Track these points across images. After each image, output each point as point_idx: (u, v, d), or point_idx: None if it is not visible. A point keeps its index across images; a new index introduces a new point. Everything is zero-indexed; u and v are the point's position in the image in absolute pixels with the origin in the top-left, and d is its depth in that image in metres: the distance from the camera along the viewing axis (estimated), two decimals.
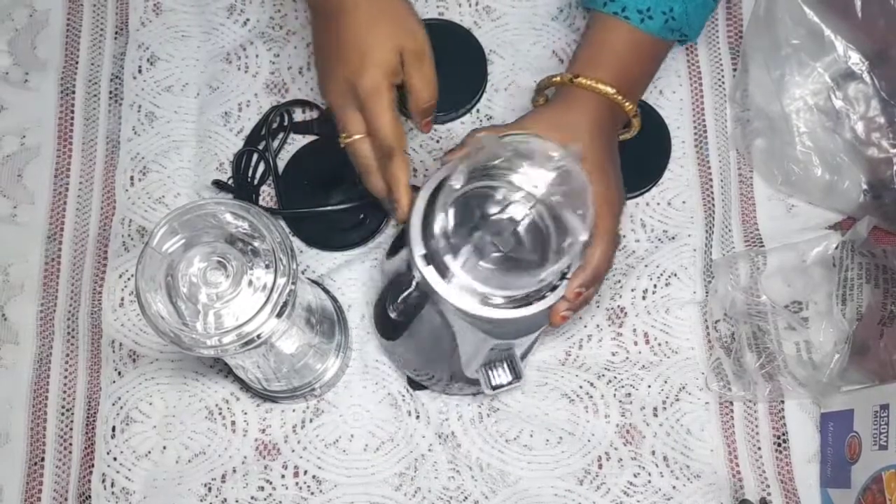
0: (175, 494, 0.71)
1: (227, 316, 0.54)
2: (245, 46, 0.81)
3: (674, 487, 0.71)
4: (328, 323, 0.70)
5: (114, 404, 0.73)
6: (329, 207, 0.75)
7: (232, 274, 0.54)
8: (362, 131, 0.63)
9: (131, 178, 0.79)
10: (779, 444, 0.73)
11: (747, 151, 0.78)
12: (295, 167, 0.78)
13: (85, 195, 0.78)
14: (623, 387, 0.73)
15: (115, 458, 0.72)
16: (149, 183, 0.78)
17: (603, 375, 0.74)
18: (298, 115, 0.80)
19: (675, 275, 0.76)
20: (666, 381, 0.74)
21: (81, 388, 0.74)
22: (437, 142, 0.79)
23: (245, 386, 0.73)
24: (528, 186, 0.52)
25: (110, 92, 0.81)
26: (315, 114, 0.79)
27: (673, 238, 0.77)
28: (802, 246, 0.74)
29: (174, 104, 0.80)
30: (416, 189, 0.58)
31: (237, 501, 0.71)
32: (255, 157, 0.78)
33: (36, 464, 0.72)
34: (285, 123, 0.79)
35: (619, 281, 0.75)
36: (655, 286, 0.76)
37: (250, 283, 0.54)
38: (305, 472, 0.72)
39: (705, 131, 0.80)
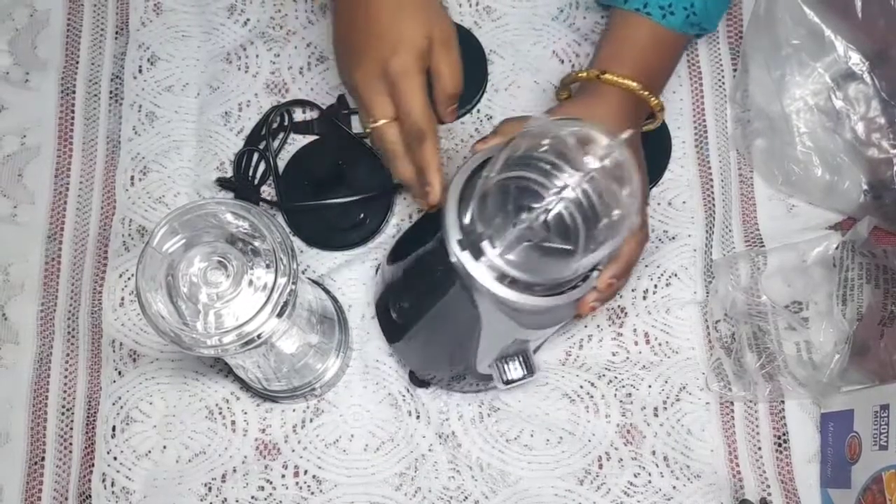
0: (175, 494, 0.71)
1: (228, 316, 0.54)
2: (245, 46, 0.81)
3: (674, 487, 0.72)
4: (328, 323, 0.70)
5: (114, 404, 0.73)
6: (331, 201, 0.75)
7: (232, 274, 0.54)
8: (389, 115, 0.62)
9: (132, 177, 0.79)
10: (779, 445, 0.73)
11: (748, 151, 0.78)
12: (295, 167, 0.78)
13: (85, 195, 0.78)
14: (623, 387, 0.73)
15: (115, 458, 0.72)
16: (149, 183, 0.78)
17: (603, 375, 0.74)
18: (298, 115, 0.80)
19: (676, 275, 0.76)
20: (666, 382, 0.74)
21: (82, 387, 0.74)
22: None
23: (245, 386, 0.73)
24: (566, 176, 0.51)
25: (111, 92, 0.81)
26: (315, 114, 0.79)
27: (673, 238, 0.77)
28: (803, 246, 0.74)
29: (174, 104, 0.80)
30: None
31: (237, 501, 0.71)
32: (255, 156, 0.78)
33: (36, 463, 0.73)
34: (285, 123, 0.79)
35: None
36: (656, 286, 0.76)
37: (251, 282, 0.54)
38: (306, 472, 0.72)
39: (706, 131, 0.80)
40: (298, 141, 0.79)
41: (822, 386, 0.70)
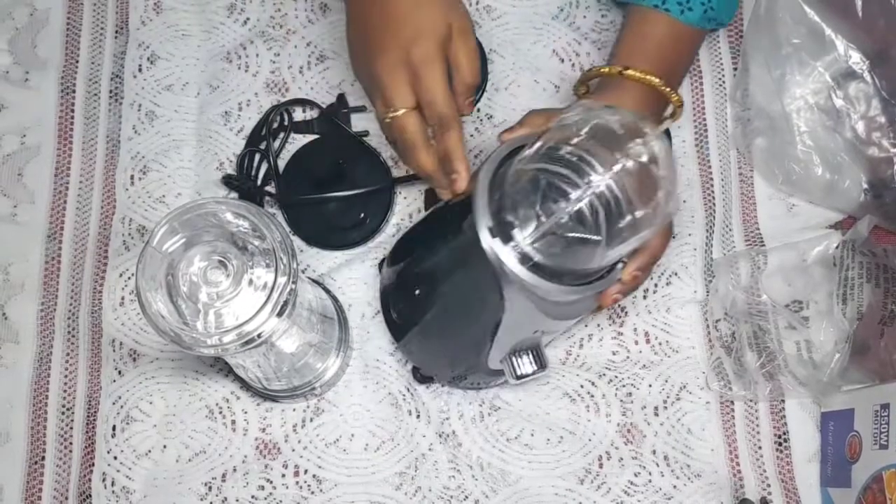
0: (175, 493, 0.71)
1: (228, 315, 0.54)
2: (245, 45, 0.81)
3: (674, 487, 0.71)
4: (329, 322, 0.70)
5: (114, 403, 0.73)
6: (332, 194, 0.75)
7: (232, 273, 0.54)
8: (410, 104, 0.61)
9: (131, 177, 0.79)
10: (779, 444, 0.73)
11: (748, 151, 0.78)
12: (295, 166, 0.78)
13: (85, 194, 0.78)
14: (624, 386, 0.73)
15: (115, 458, 0.72)
16: (149, 182, 0.78)
17: (604, 375, 0.74)
18: (298, 115, 0.80)
19: (676, 274, 0.76)
20: (667, 381, 0.74)
21: (82, 387, 0.74)
22: None
23: (245, 385, 0.73)
24: (603, 168, 0.50)
25: (110, 91, 0.81)
26: (315, 113, 0.79)
27: (674, 237, 0.77)
28: (803, 245, 0.74)
29: (174, 103, 0.80)
30: None
31: (237, 500, 0.71)
32: (257, 157, 0.78)
33: (36, 463, 0.72)
34: (286, 123, 0.79)
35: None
36: (656, 285, 0.76)
37: (251, 282, 0.54)
38: (306, 472, 0.72)
39: (706, 130, 0.80)
40: (298, 140, 0.79)
41: (823, 385, 0.70)
